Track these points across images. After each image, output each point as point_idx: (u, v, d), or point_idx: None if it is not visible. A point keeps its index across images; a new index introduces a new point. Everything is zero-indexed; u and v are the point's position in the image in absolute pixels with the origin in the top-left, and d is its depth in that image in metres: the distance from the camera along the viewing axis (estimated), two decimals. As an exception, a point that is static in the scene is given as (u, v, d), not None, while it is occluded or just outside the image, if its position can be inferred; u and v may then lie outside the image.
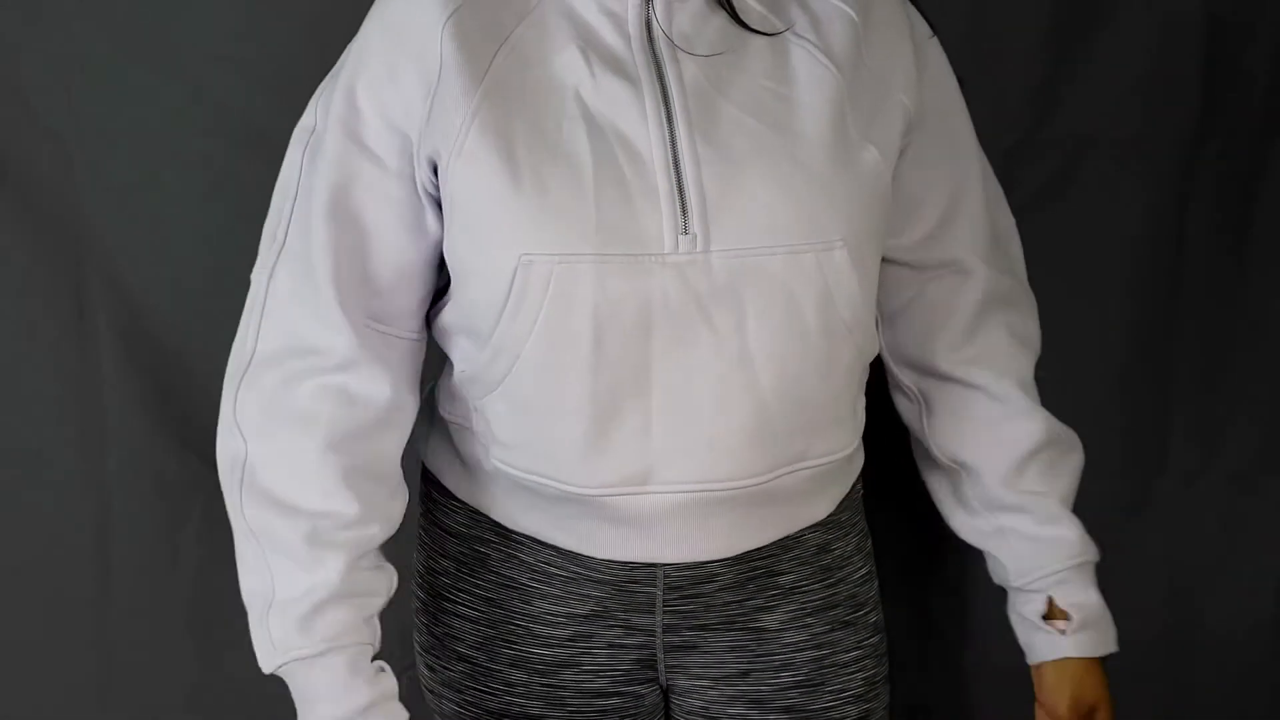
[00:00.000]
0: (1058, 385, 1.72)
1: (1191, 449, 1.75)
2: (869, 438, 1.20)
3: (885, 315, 1.20)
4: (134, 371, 1.62)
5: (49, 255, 1.59)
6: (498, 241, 0.99)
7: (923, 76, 1.09)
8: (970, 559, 1.76)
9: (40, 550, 1.66)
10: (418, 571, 1.21)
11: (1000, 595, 1.28)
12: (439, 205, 1.04)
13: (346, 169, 1.03)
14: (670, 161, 0.99)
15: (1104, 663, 1.20)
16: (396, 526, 1.07)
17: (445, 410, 1.15)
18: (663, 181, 0.99)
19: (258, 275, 1.08)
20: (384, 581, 1.04)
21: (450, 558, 1.16)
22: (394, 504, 1.07)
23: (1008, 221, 1.23)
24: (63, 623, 1.68)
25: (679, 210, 0.98)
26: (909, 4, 1.11)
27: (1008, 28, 1.58)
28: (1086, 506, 1.78)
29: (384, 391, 1.04)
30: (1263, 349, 1.72)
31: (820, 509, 1.13)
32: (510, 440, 1.05)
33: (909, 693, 1.74)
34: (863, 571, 1.18)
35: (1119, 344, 1.71)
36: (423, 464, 1.21)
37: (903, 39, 1.08)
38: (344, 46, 1.11)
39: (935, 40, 1.12)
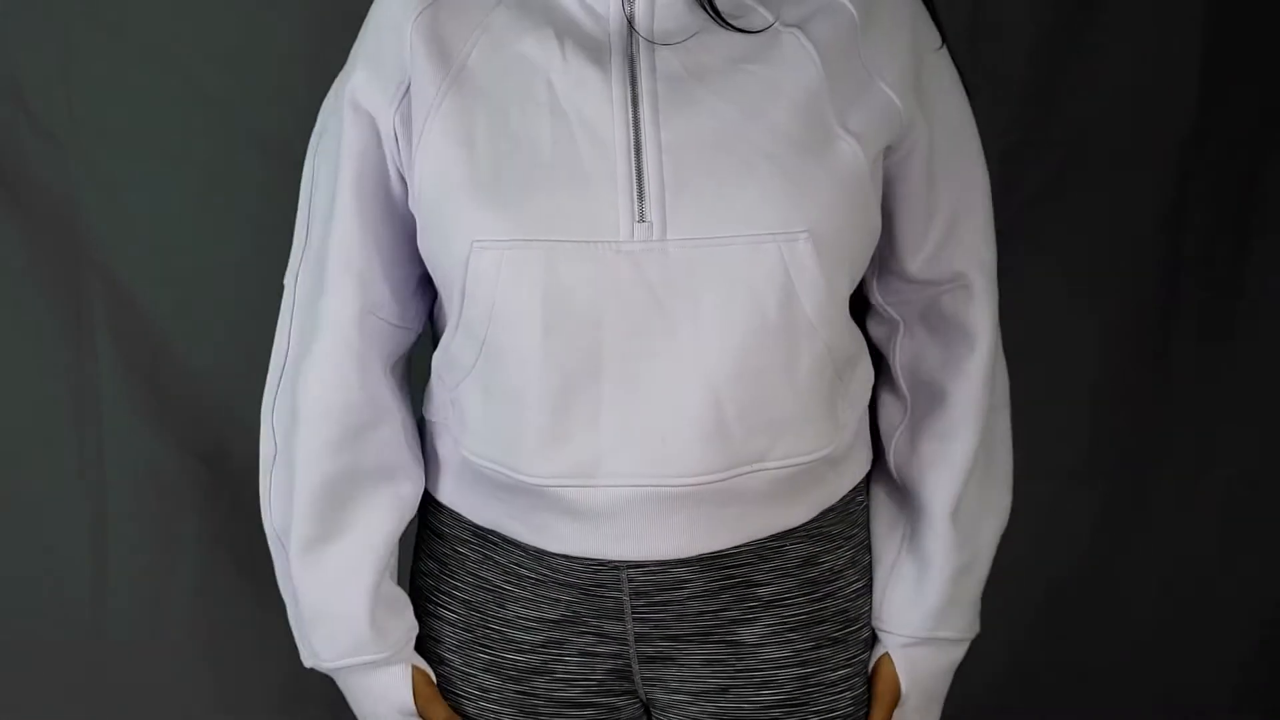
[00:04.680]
0: (1058, 385, 1.73)
1: (1191, 449, 1.75)
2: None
3: (905, 327, 1.17)
4: (132, 371, 1.62)
5: (47, 256, 1.59)
6: (452, 227, 1.00)
7: (928, 87, 1.07)
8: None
9: (39, 550, 1.66)
10: (410, 573, 1.21)
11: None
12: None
13: (352, 163, 1.06)
14: (632, 148, 0.98)
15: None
16: None
17: (426, 411, 1.16)
18: (622, 167, 0.98)
19: (288, 280, 1.11)
20: None
21: (434, 559, 1.16)
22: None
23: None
24: (62, 623, 1.68)
25: (636, 196, 0.97)
26: (921, 9, 1.09)
27: (1008, 28, 1.58)
28: (1087, 506, 1.79)
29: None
30: (1262, 349, 1.72)
31: (795, 514, 1.08)
32: (477, 428, 1.05)
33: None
34: (856, 585, 1.13)
35: (1118, 343, 1.71)
36: None
37: (901, 43, 1.06)
38: (343, 47, 1.12)
39: (944, 51, 1.10)
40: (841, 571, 1.12)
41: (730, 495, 1.02)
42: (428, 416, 1.15)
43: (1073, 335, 1.70)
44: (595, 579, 1.07)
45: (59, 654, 1.69)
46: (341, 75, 1.09)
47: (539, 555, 1.08)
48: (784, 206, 0.98)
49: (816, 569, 1.10)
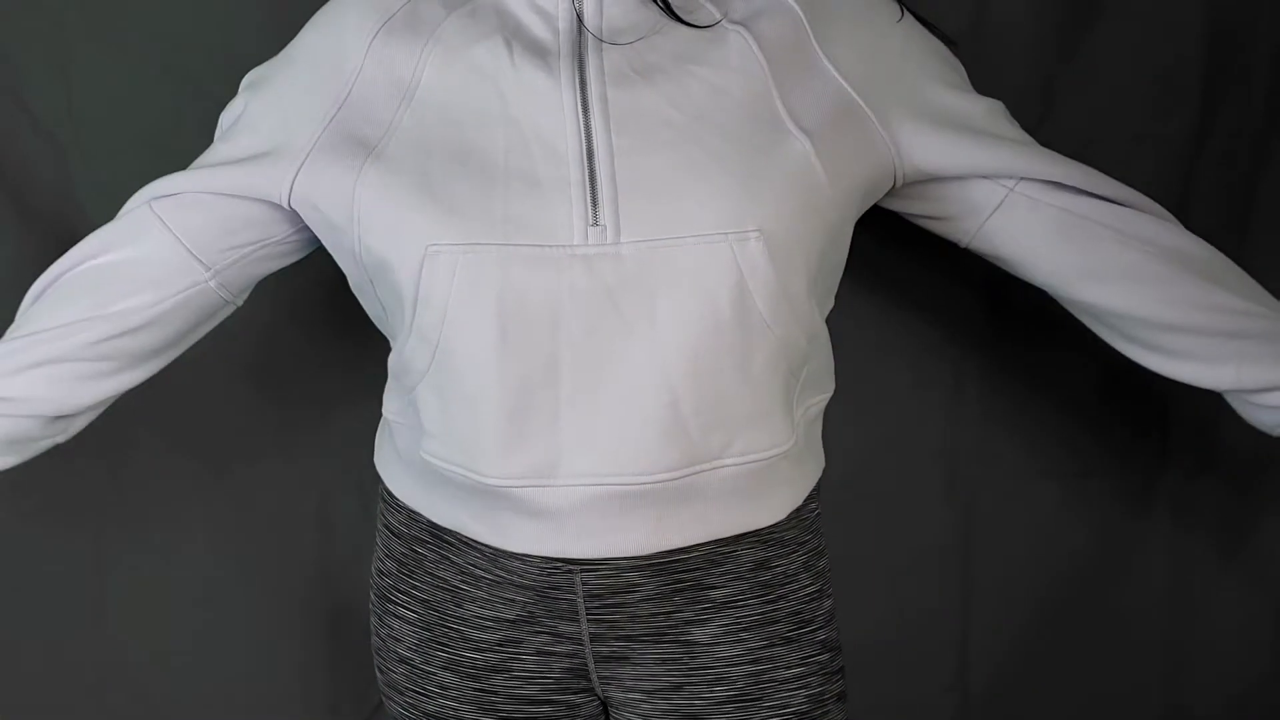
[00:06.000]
0: (1057, 384, 1.72)
1: (1191, 449, 1.75)
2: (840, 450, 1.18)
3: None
4: (134, 372, 1.62)
5: (47, 256, 1.58)
6: (407, 234, 1.01)
7: (900, 67, 1.07)
8: (942, 572, 1.76)
9: (40, 550, 1.66)
10: (370, 574, 1.22)
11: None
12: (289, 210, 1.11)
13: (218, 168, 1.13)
14: (584, 152, 1.00)
15: None
16: None
17: (386, 409, 1.16)
18: (574, 173, 0.99)
19: None
20: None
21: (394, 558, 1.17)
22: None
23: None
24: (63, 622, 1.68)
25: (589, 201, 0.99)
26: None
27: (1008, 27, 1.58)
28: (1087, 505, 1.79)
29: None
30: (1263, 349, 1.72)
31: (758, 515, 1.10)
32: (435, 430, 1.06)
33: (891, 706, 1.74)
34: (810, 589, 1.15)
35: (1119, 343, 1.71)
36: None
37: (858, 36, 1.07)
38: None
39: (908, 20, 1.10)
40: (795, 575, 1.13)
41: (690, 492, 1.03)
42: (387, 416, 1.16)
43: (1073, 334, 1.70)
44: (549, 581, 1.08)
45: (59, 655, 1.69)
46: (265, 67, 1.10)
47: (495, 556, 1.09)
48: (735, 206, 0.99)
49: (769, 573, 1.11)
